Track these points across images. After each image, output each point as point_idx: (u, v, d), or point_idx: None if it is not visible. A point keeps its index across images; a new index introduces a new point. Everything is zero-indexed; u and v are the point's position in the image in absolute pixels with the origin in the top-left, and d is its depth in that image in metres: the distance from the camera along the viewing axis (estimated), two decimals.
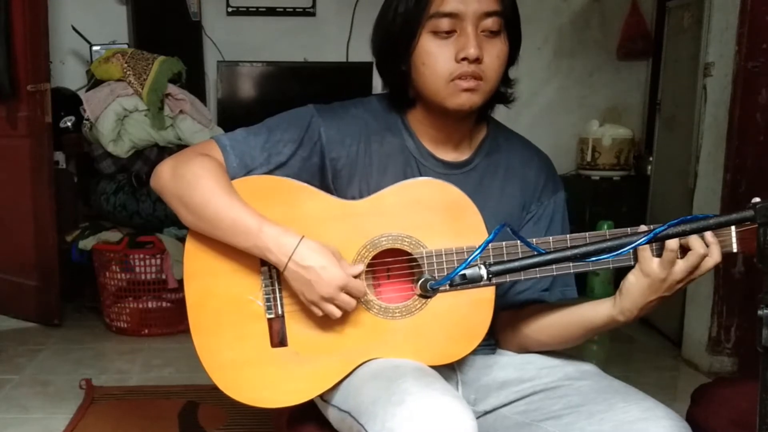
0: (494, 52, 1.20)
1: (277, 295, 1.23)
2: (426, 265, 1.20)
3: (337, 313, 1.18)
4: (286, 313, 1.23)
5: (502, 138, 1.35)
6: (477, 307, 1.22)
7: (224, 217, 1.18)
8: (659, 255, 1.10)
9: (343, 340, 1.22)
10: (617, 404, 1.14)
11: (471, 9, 1.16)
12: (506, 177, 1.32)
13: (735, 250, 1.12)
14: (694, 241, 1.09)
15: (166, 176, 1.25)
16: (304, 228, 1.20)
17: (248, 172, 1.25)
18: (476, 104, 1.22)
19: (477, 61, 1.17)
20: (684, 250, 1.10)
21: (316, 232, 1.20)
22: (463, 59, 1.17)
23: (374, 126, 1.29)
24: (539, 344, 1.29)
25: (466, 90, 1.19)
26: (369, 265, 1.23)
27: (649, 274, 1.11)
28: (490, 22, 1.18)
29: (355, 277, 1.18)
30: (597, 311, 1.20)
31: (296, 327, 1.23)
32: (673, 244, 1.08)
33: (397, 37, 1.21)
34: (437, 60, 1.19)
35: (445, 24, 1.17)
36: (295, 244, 1.15)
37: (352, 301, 1.17)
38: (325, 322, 1.22)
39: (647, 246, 1.10)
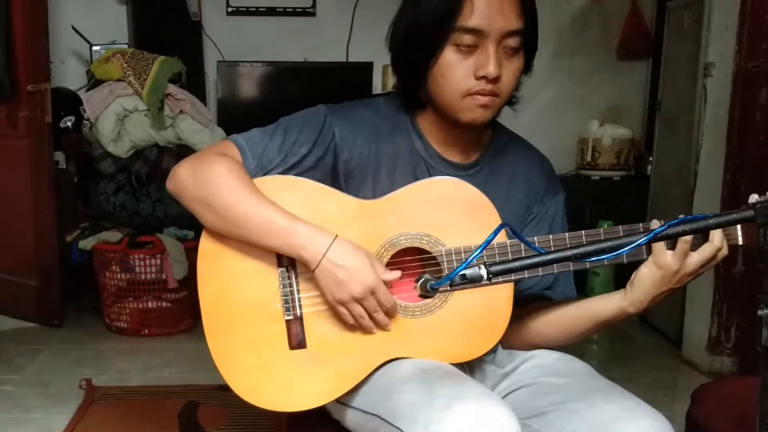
0: (511, 69, 1.20)
1: (296, 296, 1.22)
2: (445, 263, 1.21)
3: (365, 316, 1.17)
4: (304, 314, 1.22)
5: (506, 140, 1.36)
6: (496, 303, 1.22)
7: (254, 218, 1.18)
8: (672, 247, 1.12)
9: (363, 340, 1.21)
10: (597, 403, 1.14)
11: (496, 27, 1.16)
12: (511, 179, 1.34)
13: (740, 242, 1.16)
14: (714, 233, 1.11)
15: (186, 179, 1.23)
16: None
17: (264, 172, 1.25)
18: (488, 119, 1.24)
19: (495, 80, 1.18)
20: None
21: (335, 232, 1.19)
22: (482, 77, 1.17)
23: (383, 127, 1.29)
24: (547, 339, 1.30)
25: (481, 106, 1.20)
26: (388, 264, 1.22)
27: (662, 266, 1.13)
28: (512, 41, 1.18)
29: (389, 283, 1.18)
30: (606, 303, 1.22)
31: (315, 328, 1.22)
32: (687, 236, 1.09)
33: (420, 44, 1.20)
34: (456, 74, 1.18)
35: (467, 39, 1.16)
36: (329, 242, 1.15)
37: (377, 308, 1.17)
38: (344, 323, 1.22)
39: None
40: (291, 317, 1.22)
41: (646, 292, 1.16)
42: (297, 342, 1.22)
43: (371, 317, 1.18)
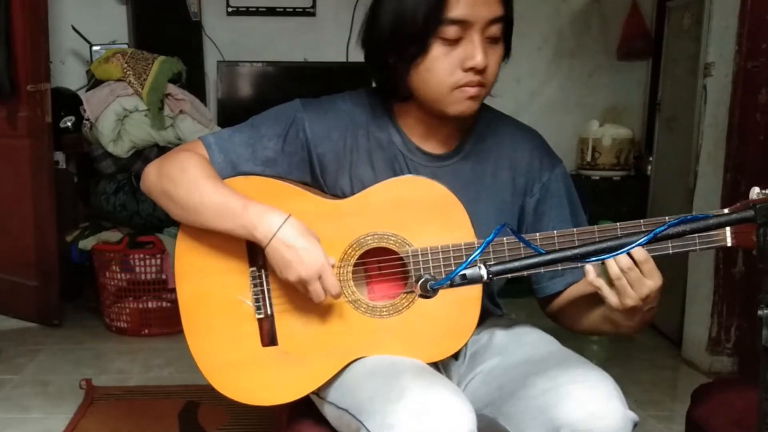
0: (495, 57, 1.20)
1: (266, 295, 1.24)
2: (412, 263, 1.21)
3: (311, 293, 1.18)
4: (275, 312, 1.25)
5: (490, 121, 1.34)
6: (464, 305, 1.22)
7: (210, 202, 1.20)
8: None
9: (332, 338, 1.23)
10: (525, 380, 1.14)
11: (481, 16, 1.15)
12: (497, 162, 1.31)
13: (729, 244, 1.13)
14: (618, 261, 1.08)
15: (152, 176, 1.27)
16: None
17: (234, 168, 1.26)
18: (475, 110, 1.22)
19: (482, 70, 1.17)
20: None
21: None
22: (470, 68, 1.16)
23: (361, 120, 1.29)
24: (582, 333, 1.32)
25: (470, 98, 1.19)
26: (355, 264, 1.23)
27: (617, 308, 1.12)
28: (494, 29, 1.17)
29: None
30: (607, 329, 1.22)
31: (286, 326, 1.24)
32: (614, 271, 1.08)
33: (406, 39, 1.17)
34: (443, 68, 1.17)
35: (452, 31, 1.15)
36: (280, 222, 1.16)
37: (323, 292, 1.17)
38: (314, 321, 1.24)
39: (603, 284, 1.12)
40: (262, 316, 1.24)
41: (624, 326, 1.16)
42: (269, 340, 1.24)
43: (313, 298, 1.18)
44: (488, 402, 1.19)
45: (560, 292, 1.33)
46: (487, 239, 0.93)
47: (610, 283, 1.10)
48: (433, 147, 1.29)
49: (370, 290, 1.28)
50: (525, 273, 1.16)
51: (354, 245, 1.22)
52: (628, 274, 1.08)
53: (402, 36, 1.17)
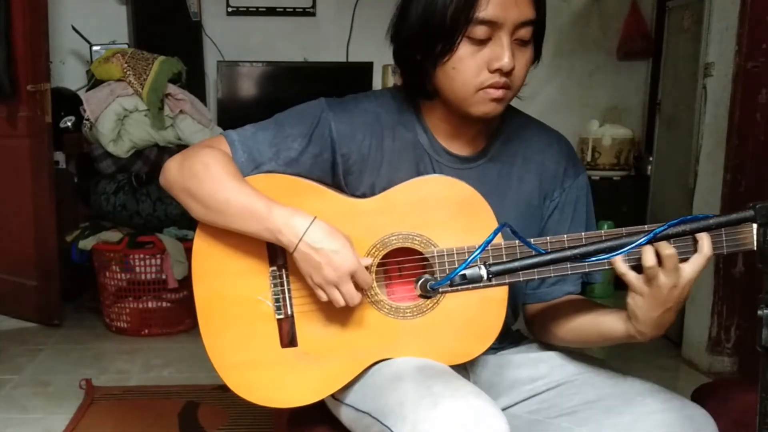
0: (523, 60, 1.18)
1: (287, 295, 1.23)
2: (437, 264, 1.19)
3: (341, 301, 1.15)
4: (295, 313, 1.23)
5: (517, 124, 1.32)
6: (489, 306, 1.21)
7: (234, 203, 1.17)
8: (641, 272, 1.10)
9: (354, 340, 1.22)
10: (635, 398, 1.15)
11: (510, 18, 1.13)
12: (524, 165, 1.30)
13: (756, 248, 1.12)
14: (703, 242, 1.07)
15: (173, 171, 1.24)
16: None
17: (257, 167, 1.24)
18: (500, 112, 1.21)
19: (509, 72, 1.15)
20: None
21: None
22: (497, 70, 1.15)
23: (387, 120, 1.26)
24: (562, 342, 1.29)
25: (494, 99, 1.17)
26: (379, 265, 1.21)
27: (640, 292, 1.10)
28: (524, 32, 1.15)
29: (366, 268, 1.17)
30: (616, 328, 1.18)
31: (306, 327, 1.23)
32: (648, 260, 1.06)
33: (434, 37, 1.15)
34: (470, 68, 1.15)
35: (481, 31, 1.13)
36: (306, 225, 1.14)
37: (357, 294, 1.16)
38: (335, 322, 1.22)
39: (628, 270, 1.09)
40: (282, 316, 1.22)
41: (644, 322, 1.12)
42: (288, 340, 1.22)
43: (347, 303, 1.16)
44: (565, 412, 1.20)
45: (557, 299, 1.33)
46: (487, 239, 0.93)
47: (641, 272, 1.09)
48: (459, 148, 1.28)
49: (389, 291, 1.26)
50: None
51: (378, 245, 1.20)
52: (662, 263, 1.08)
53: (430, 33, 1.15)
